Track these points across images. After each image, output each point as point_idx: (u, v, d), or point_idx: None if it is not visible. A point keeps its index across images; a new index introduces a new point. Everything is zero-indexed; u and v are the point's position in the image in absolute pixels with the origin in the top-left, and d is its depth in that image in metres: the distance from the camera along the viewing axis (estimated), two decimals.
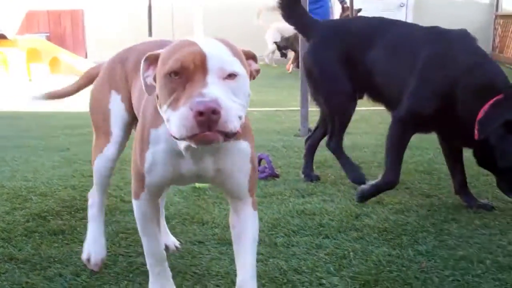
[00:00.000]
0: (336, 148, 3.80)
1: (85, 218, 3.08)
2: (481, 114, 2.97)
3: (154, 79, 1.75)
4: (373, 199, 3.39)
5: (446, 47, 3.22)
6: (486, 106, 2.97)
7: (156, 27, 12.55)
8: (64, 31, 16.94)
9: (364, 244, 2.74)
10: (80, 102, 7.79)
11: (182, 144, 1.70)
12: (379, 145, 4.62)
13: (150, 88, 1.79)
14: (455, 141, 3.31)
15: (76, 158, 4.60)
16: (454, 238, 2.81)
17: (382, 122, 5.61)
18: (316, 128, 4.07)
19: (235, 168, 1.92)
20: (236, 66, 1.64)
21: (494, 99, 2.96)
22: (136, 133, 2.01)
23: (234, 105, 1.59)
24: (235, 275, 2.35)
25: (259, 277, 2.26)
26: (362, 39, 3.56)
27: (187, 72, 1.59)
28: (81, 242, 2.78)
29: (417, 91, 3.20)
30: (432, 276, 2.39)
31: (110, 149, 2.47)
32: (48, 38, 15.35)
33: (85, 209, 3.20)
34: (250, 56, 1.83)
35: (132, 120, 2.40)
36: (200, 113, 1.50)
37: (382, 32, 3.53)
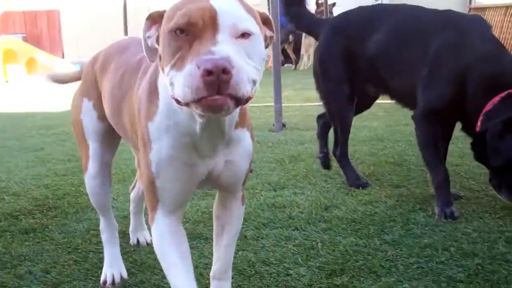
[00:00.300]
0: (341, 157, 3.73)
1: (57, 216, 3.13)
2: (489, 106, 2.89)
3: (157, 42, 1.55)
4: (343, 190, 3.45)
5: (461, 35, 3.06)
6: (496, 99, 2.87)
7: (132, 26, 12.53)
8: (40, 31, 16.89)
9: (332, 234, 2.78)
10: (56, 102, 7.82)
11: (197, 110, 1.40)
12: (351, 138, 4.67)
13: (151, 52, 1.59)
14: (464, 130, 3.21)
15: (50, 158, 4.61)
16: (420, 227, 2.85)
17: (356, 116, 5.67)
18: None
19: (239, 160, 1.77)
20: (250, 24, 1.44)
21: (506, 92, 2.86)
22: (139, 140, 1.79)
23: (247, 66, 1.38)
24: (204, 268, 2.42)
25: None
26: (364, 30, 3.43)
27: (194, 29, 1.39)
28: (52, 240, 2.81)
29: (433, 84, 3.07)
30: (397, 264, 2.44)
31: (91, 166, 2.31)
32: (25, 39, 15.30)
33: (57, 207, 3.27)
34: (264, 20, 1.61)
35: (110, 127, 2.22)
36: (209, 72, 1.29)
37: (385, 18, 3.39)
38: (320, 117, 4.01)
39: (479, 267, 2.38)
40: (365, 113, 5.61)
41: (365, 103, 3.90)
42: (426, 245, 2.62)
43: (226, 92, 1.31)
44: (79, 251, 2.67)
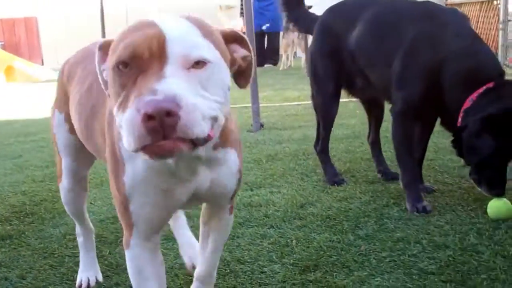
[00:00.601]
0: (321, 152, 3.76)
1: (34, 222, 3.14)
2: (468, 103, 2.85)
3: None
4: (319, 188, 3.48)
5: (437, 27, 3.00)
6: (474, 95, 2.83)
7: (110, 30, 12.49)
8: (19, 39, 16.84)
9: (307, 231, 2.80)
10: (35, 109, 7.79)
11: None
12: None
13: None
14: (443, 125, 3.16)
15: (28, 164, 4.60)
16: (394, 221, 2.89)
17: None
18: (370, 124, 3.89)
19: (225, 180, 1.63)
20: (206, 50, 1.26)
21: (484, 87, 2.82)
22: (107, 160, 1.63)
23: (203, 102, 1.21)
24: (179, 269, 2.44)
25: None
26: (347, 24, 3.41)
27: (139, 62, 1.23)
28: (29, 245, 2.82)
29: (408, 78, 3.03)
30: (370, 258, 2.47)
31: (64, 180, 2.23)
32: (3, 47, 15.26)
33: (34, 213, 3.27)
34: (235, 39, 1.43)
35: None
36: (150, 117, 1.12)
37: (365, 11, 3.34)
38: (368, 138, 3.93)
39: (450, 258, 2.42)
40: (343, 110, 5.69)
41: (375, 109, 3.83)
42: (399, 239, 2.65)
43: (174, 136, 1.16)
44: (55, 256, 2.68)
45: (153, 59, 1.22)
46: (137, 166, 1.49)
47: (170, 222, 2.51)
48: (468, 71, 2.89)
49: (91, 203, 3.39)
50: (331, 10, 3.66)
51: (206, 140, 1.23)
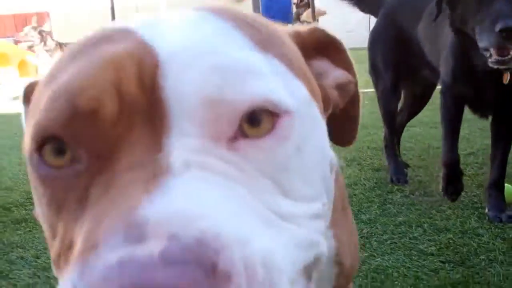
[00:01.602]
0: (385, 148, 3.60)
1: None
2: None
3: None
4: None
5: None
6: None
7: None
8: None
9: None
10: None
11: None
12: None
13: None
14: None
15: None
16: (397, 206, 2.96)
17: None
18: (401, 110, 3.75)
19: None
20: (273, 83, 0.57)
21: None
22: None
23: (288, 236, 0.55)
24: None
25: None
26: (414, 13, 3.22)
27: (94, 137, 0.56)
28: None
29: (445, 57, 2.86)
30: (371, 241, 2.55)
31: None
32: (16, 42, 15.39)
33: None
34: (322, 47, 0.75)
35: None
36: None
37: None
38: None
39: (450, 241, 2.50)
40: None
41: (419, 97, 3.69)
42: (401, 223, 2.73)
43: None
44: None
45: (132, 124, 0.55)
46: None
47: None
48: None
49: None
50: None
51: None
